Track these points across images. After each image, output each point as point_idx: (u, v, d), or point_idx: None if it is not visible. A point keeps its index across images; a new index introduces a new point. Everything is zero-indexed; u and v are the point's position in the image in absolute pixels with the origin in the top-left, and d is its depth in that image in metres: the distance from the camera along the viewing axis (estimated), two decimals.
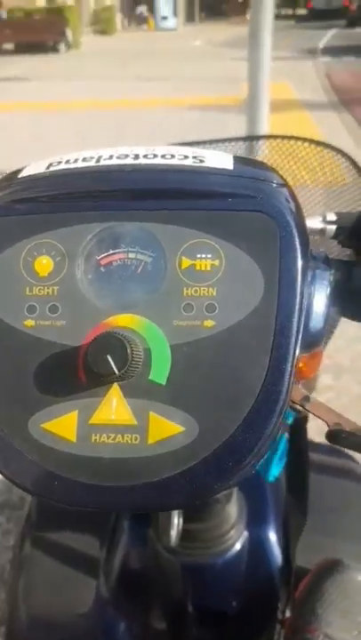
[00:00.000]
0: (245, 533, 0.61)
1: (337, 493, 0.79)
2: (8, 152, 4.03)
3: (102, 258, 0.36)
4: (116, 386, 0.35)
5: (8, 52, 16.80)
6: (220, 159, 0.39)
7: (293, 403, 0.41)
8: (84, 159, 0.39)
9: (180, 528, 0.54)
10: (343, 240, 0.52)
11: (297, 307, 0.35)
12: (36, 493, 0.36)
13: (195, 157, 0.39)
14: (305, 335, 0.36)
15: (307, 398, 0.41)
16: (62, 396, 0.35)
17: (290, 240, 0.35)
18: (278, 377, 0.34)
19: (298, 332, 0.35)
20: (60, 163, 0.40)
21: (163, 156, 0.39)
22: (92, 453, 0.34)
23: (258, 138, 0.89)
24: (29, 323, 0.36)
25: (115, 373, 0.32)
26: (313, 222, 0.52)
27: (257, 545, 0.62)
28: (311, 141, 0.80)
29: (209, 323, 0.35)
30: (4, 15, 17.76)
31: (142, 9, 30.09)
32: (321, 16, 24.27)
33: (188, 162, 0.38)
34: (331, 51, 12.48)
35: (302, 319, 0.35)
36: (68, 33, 16.98)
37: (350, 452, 0.89)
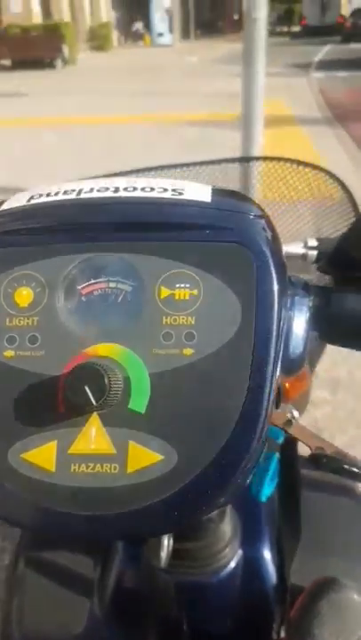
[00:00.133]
0: (240, 552, 0.61)
1: (330, 511, 0.79)
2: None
3: (83, 287, 0.37)
4: (95, 415, 0.35)
5: (5, 69, 16.95)
6: (199, 191, 0.39)
7: (277, 426, 0.41)
8: (65, 192, 0.40)
9: (171, 549, 0.54)
10: (322, 266, 0.53)
11: (274, 333, 0.35)
12: (15, 523, 0.36)
13: (174, 190, 0.39)
14: (285, 359, 0.36)
15: (289, 423, 0.42)
16: (42, 425, 0.35)
17: (265, 269, 0.36)
18: (257, 403, 0.34)
19: (276, 357, 0.35)
20: (41, 196, 0.40)
21: (142, 189, 0.39)
22: (71, 483, 0.34)
23: (250, 159, 0.90)
24: (9, 353, 0.36)
25: (93, 404, 0.33)
26: (295, 248, 0.53)
27: (252, 563, 0.62)
28: (299, 163, 0.82)
29: (188, 351, 0.35)
30: (1, 31, 17.97)
31: (138, 25, 30.39)
32: (315, 33, 24.63)
33: (168, 194, 0.39)
34: (326, 65, 12.71)
35: (281, 345, 0.35)
36: (65, 49, 17.15)
37: None
